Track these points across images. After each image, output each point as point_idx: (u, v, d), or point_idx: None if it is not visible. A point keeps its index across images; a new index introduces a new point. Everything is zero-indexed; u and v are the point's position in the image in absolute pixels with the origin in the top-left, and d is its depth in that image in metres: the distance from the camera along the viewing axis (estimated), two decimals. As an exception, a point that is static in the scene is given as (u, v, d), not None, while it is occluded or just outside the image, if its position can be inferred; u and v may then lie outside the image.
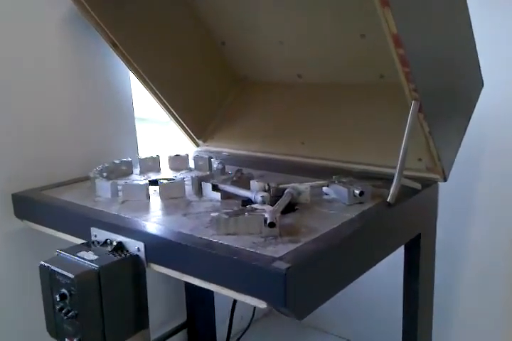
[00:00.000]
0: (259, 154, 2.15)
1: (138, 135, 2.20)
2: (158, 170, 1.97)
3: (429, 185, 1.67)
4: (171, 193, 1.60)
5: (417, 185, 1.60)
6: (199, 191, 1.64)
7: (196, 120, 2.29)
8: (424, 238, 1.66)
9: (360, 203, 1.49)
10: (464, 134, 1.76)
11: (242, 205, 1.51)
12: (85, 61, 1.95)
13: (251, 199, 1.49)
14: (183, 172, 1.95)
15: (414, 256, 1.67)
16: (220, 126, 2.33)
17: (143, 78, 2.05)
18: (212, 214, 1.33)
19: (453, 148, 1.73)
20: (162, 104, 2.15)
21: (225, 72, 2.33)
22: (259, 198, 1.45)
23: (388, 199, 1.48)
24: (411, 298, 1.74)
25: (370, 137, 1.89)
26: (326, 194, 1.60)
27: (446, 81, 1.58)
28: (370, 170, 1.84)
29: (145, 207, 1.52)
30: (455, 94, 1.66)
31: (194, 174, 1.88)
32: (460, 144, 1.76)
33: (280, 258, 1.12)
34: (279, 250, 1.18)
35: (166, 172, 1.95)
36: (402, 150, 1.49)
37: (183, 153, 2.02)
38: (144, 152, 2.22)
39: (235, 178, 1.63)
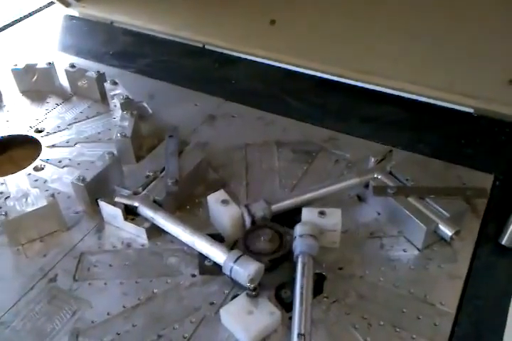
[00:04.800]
0: (185, 35, 1.17)
1: None
2: (-2, 105, 1.01)
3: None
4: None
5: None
6: (95, 209, 0.77)
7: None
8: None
9: (442, 240, 0.71)
10: None
11: (201, 272, 0.70)
12: None
13: (219, 266, 0.67)
14: (49, 104, 1.00)
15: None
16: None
17: None
18: None
19: None
20: None
21: None
22: (244, 279, 0.63)
23: (504, 241, 0.71)
24: None
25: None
26: (359, 198, 0.79)
27: None
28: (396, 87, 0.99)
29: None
30: None
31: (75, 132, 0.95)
32: None
33: None
34: None
35: (13, 114, 0.99)
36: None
37: (41, 62, 1.02)
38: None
39: (170, 182, 0.75)
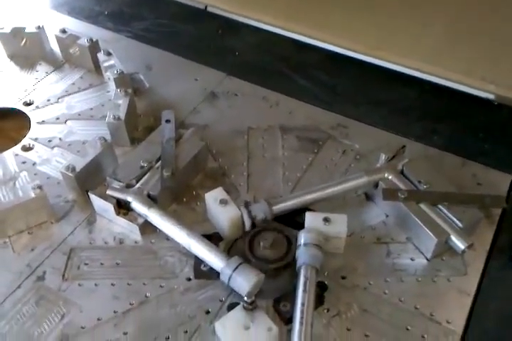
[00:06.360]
0: None
1: None
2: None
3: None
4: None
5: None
6: (86, 199, 0.72)
7: None
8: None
9: (453, 249, 0.67)
10: None
11: (197, 276, 0.66)
12: None
13: (215, 270, 0.64)
14: (38, 72, 0.93)
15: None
16: None
17: None
18: None
19: None
20: None
21: None
22: (243, 290, 0.60)
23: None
24: None
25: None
26: (367, 196, 0.75)
27: None
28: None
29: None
30: None
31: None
32: None
33: None
34: None
35: (1, 82, 0.92)
36: None
37: (30, 26, 0.94)
38: None
39: (166, 175, 0.71)
